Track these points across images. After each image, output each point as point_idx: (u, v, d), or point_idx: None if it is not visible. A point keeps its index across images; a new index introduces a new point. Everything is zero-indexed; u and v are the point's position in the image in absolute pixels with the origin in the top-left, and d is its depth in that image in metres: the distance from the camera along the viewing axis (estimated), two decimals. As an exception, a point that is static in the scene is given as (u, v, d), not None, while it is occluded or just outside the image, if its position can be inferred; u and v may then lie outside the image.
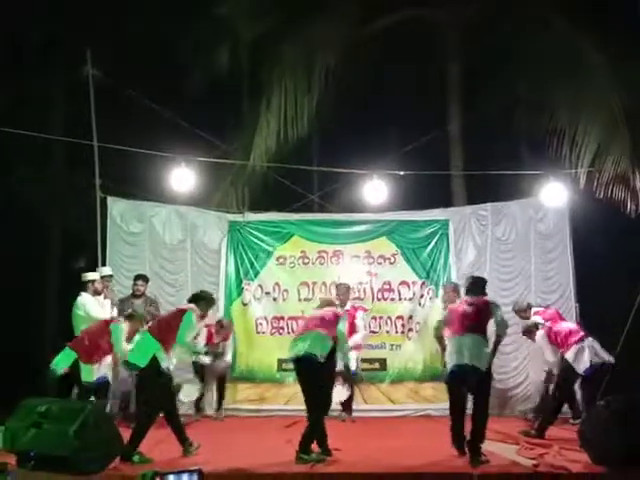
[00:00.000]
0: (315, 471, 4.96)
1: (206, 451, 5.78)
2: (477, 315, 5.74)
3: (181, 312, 6.01)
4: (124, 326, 6.93)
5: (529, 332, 7.59)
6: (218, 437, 6.86)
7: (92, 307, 7.39)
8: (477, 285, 6.07)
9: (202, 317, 6.44)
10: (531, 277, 9.24)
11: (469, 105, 10.95)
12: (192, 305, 6.12)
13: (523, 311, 7.73)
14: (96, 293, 7.46)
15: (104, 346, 6.84)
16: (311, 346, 5.61)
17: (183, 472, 2.11)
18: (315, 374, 5.56)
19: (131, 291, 8.45)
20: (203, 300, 6.28)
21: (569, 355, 6.88)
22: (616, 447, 4.74)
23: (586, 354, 6.87)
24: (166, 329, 5.88)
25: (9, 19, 10.47)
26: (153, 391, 5.75)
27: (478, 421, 5.49)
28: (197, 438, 5.90)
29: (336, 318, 5.87)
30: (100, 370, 6.90)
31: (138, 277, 8.53)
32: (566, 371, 6.89)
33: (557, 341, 7.06)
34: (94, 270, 7.99)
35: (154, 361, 5.66)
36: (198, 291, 6.62)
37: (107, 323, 6.99)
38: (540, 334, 7.27)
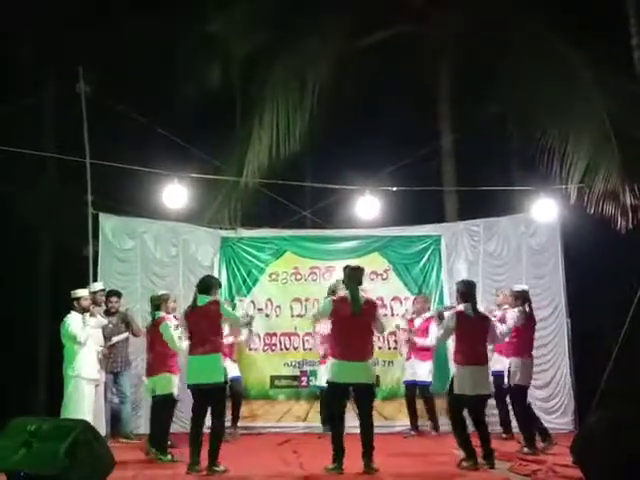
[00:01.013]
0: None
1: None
2: None
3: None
4: (172, 323, 6.79)
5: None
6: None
7: (72, 326, 7.17)
8: None
9: None
10: (523, 293, 9.26)
11: (461, 121, 11.02)
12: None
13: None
14: (84, 310, 7.37)
15: (163, 350, 6.71)
16: None
17: None
18: None
19: (106, 308, 8.27)
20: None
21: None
22: (609, 463, 4.73)
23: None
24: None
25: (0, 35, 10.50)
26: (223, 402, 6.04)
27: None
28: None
29: None
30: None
31: (112, 293, 8.38)
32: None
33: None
34: (85, 287, 7.91)
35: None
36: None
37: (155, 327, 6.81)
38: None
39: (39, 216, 11.20)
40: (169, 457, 6.42)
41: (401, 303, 9.26)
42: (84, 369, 7.13)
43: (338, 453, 5.62)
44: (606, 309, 9.73)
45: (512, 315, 7.07)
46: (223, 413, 6.06)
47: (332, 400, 5.98)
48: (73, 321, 7.22)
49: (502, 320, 7.18)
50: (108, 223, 9.19)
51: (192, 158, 10.12)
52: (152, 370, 6.85)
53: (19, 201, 10.83)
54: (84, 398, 7.03)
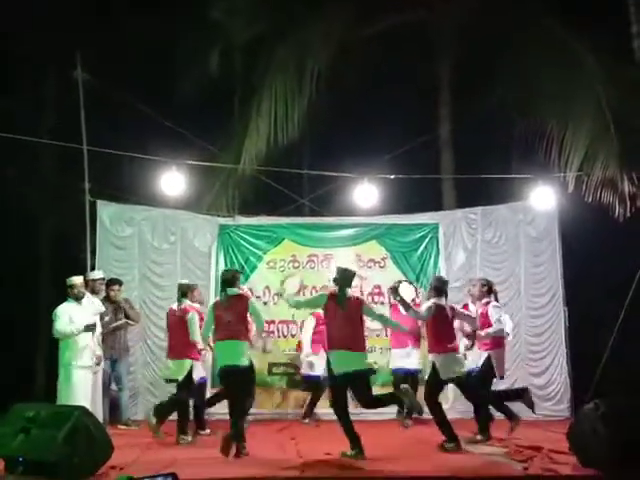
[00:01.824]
0: (305, 475, 4.95)
1: (191, 456, 5.77)
2: None
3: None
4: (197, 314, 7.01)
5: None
6: (205, 441, 6.84)
7: (57, 325, 7.14)
8: None
9: None
10: (521, 280, 9.30)
11: (459, 109, 11.00)
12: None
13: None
14: (77, 298, 7.37)
15: (185, 337, 6.94)
16: None
17: (157, 476, 2.10)
18: None
19: (105, 294, 8.22)
20: None
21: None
22: (604, 449, 4.76)
23: None
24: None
25: (-2, 22, 10.45)
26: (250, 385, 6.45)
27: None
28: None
29: None
30: (199, 368, 7.14)
31: (114, 281, 8.36)
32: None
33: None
34: (80, 274, 7.87)
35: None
36: None
37: (182, 316, 7.02)
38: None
39: (37, 203, 11.18)
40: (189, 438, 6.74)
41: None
42: (77, 357, 7.12)
43: (355, 440, 5.72)
44: (603, 297, 9.76)
45: (493, 311, 7.05)
46: (251, 394, 6.59)
47: (337, 391, 6.01)
48: (60, 318, 7.15)
49: (485, 316, 7.11)
50: (106, 210, 9.18)
51: (190, 145, 10.10)
52: (174, 354, 7.03)
53: (17, 189, 10.80)
54: (78, 385, 7.03)
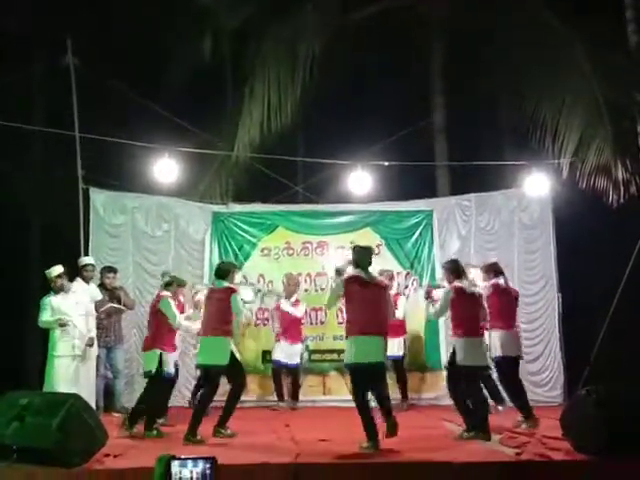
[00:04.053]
0: (300, 461, 4.96)
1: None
2: None
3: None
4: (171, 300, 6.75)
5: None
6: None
7: (43, 309, 7.17)
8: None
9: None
10: (514, 267, 9.29)
11: (453, 96, 10.97)
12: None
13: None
14: (59, 290, 7.32)
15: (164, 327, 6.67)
16: None
17: (199, 459, 2.12)
18: None
19: (100, 282, 8.21)
20: None
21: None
22: (597, 435, 4.78)
23: None
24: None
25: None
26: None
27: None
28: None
29: None
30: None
31: (109, 269, 8.34)
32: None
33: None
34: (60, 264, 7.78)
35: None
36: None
37: (154, 306, 6.77)
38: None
39: (28, 191, 11.11)
40: (154, 432, 6.40)
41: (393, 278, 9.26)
42: (59, 347, 7.14)
43: (373, 432, 5.48)
44: (597, 284, 9.79)
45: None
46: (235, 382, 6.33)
47: (360, 382, 5.66)
48: (44, 309, 7.18)
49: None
50: (99, 198, 9.13)
51: (184, 132, 10.04)
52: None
53: (8, 176, 10.73)
54: (60, 374, 7.04)
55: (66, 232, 9.14)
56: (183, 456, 2.19)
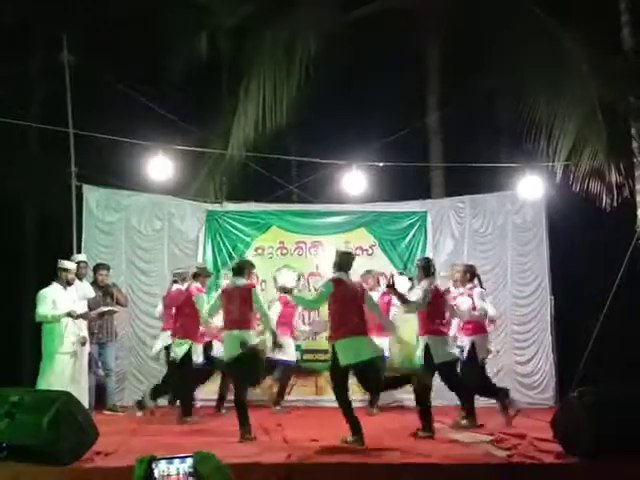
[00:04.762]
0: (291, 461, 4.95)
1: (176, 441, 5.77)
2: None
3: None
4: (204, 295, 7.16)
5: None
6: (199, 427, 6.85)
7: (42, 301, 7.11)
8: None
9: None
10: (507, 269, 9.34)
11: (448, 98, 10.98)
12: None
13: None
14: (68, 283, 7.31)
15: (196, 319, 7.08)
16: None
17: (175, 457, 2.10)
18: None
19: (93, 280, 8.22)
20: None
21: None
22: (588, 438, 4.80)
23: None
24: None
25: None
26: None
27: None
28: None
29: None
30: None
31: (101, 266, 8.34)
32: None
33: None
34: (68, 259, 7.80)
35: None
36: None
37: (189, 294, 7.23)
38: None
39: (22, 187, 11.05)
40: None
41: (387, 279, 9.25)
42: (59, 342, 7.08)
43: (357, 427, 5.67)
44: (589, 287, 9.81)
45: (478, 296, 7.07)
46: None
47: (341, 381, 5.87)
48: (43, 301, 7.10)
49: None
50: (92, 195, 9.10)
51: (178, 130, 10.01)
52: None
53: (2, 172, 10.66)
54: (57, 371, 6.99)
55: (59, 229, 9.10)
56: (167, 455, 2.18)
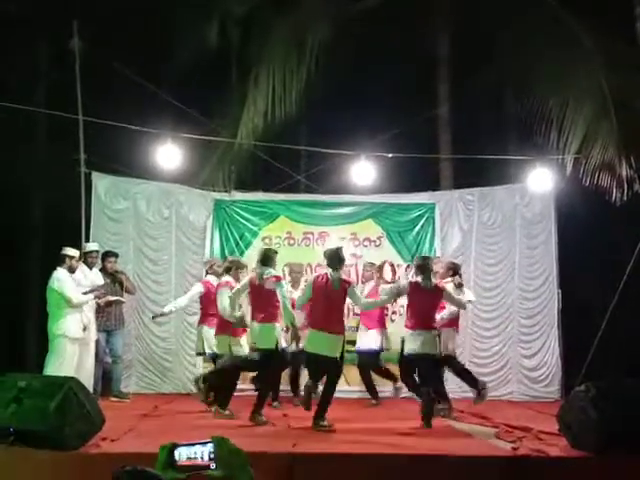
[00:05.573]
0: (297, 451, 4.97)
1: (181, 427, 5.78)
2: None
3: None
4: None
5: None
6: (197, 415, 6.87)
7: (65, 284, 7.15)
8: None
9: None
10: (515, 262, 9.30)
11: (458, 89, 10.91)
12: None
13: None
14: (71, 270, 7.34)
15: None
16: None
17: (196, 444, 2.16)
18: None
19: (101, 267, 8.23)
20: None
21: None
22: (594, 432, 4.79)
23: None
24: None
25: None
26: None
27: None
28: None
29: None
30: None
31: (110, 254, 8.37)
32: None
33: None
34: (77, 246, 7.84)
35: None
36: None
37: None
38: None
39: (30, 174, 11.07)
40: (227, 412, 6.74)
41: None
42: (69, 328, 7.12)
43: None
44: (597, 281, 9.78)
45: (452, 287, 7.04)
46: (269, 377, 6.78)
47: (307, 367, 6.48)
48: (66, 281, 7.15)
49: None
50: (101, 183, 9.11)
51: (187, 118, 10.00)
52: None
53: (11, 158, 10.68)
54: (67, 357, 7.03)
55: (68, 216, 9.11)
56: (185, 442, 2.26)
